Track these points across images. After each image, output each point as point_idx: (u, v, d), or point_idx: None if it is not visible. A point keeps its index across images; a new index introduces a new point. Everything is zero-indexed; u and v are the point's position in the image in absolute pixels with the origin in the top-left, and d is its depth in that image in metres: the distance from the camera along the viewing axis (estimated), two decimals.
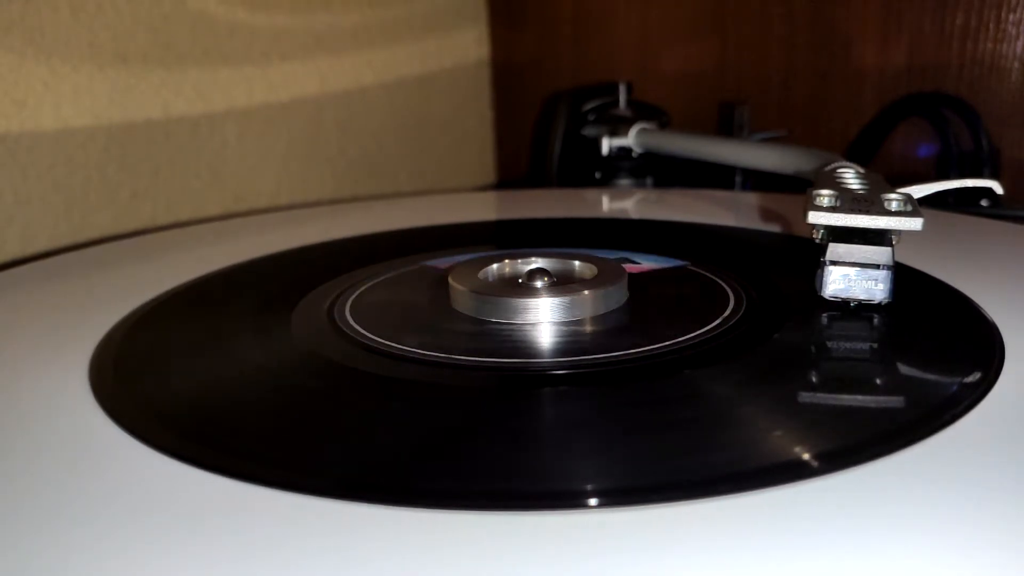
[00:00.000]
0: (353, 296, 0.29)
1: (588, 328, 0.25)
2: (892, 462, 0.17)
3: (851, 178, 0.29)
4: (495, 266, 0.29)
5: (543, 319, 0.25)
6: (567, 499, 0.16)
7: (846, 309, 0.26)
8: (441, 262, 0.33)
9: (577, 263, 0.29)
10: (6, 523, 0.16)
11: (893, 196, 0.26)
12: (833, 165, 0.32)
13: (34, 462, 0.18)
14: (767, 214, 0.41)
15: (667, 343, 0.24)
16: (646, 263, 0.31)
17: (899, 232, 0.25)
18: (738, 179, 0.52)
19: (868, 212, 0.25)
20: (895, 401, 0.20)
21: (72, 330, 0.27)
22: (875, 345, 0.24)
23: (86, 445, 0.19)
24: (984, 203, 0.44)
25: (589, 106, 0.57)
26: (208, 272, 0.33)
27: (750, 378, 0.22)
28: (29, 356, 0.25)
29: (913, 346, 0.24)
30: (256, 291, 0.31)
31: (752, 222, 0.40)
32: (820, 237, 0.26)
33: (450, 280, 0.27)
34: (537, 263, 0.29)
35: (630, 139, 0.53)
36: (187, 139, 0.52)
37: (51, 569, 0.14)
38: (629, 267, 0.30)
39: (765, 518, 0.15)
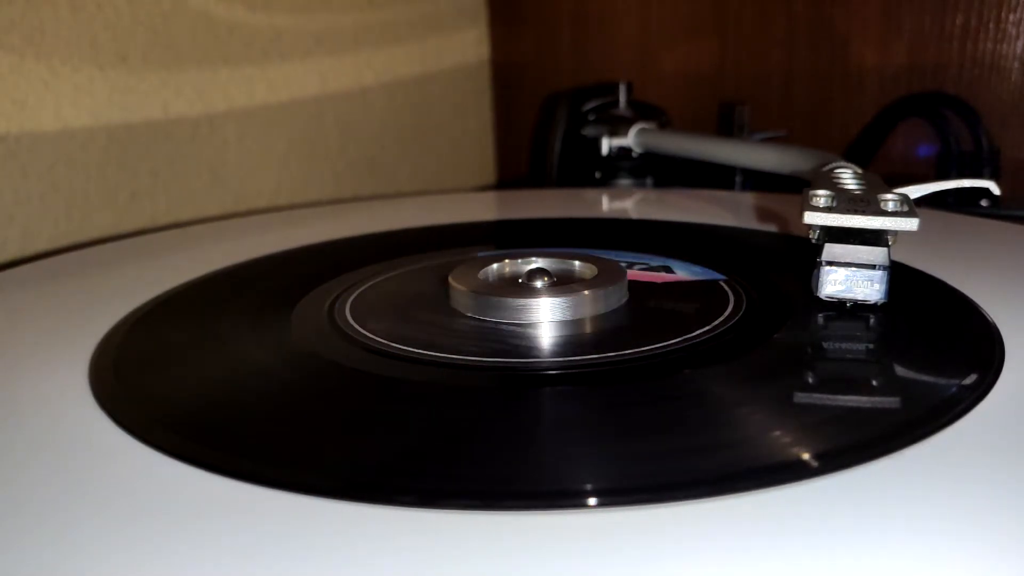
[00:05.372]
0: (353, 296, 0.29)
1: (588, 328, 0.25)
2: (892, 462, 0.17)
3: (848, 178, 0.29)
4: (495, 266, 0.29)
5: (543, 319, 0.25)
6: (567, 499, 0.16)
7: (846, 309, 0.26)
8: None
9: (577, 263, 0.29)
10: (6, 523, 0.16)
11: (889, 196, 0.26)
12: (831, 165, 0.33)
13: (33, 462, 0.18)
14: (767, 214, 0.41)
15: (667, 343, 0.24)
16: (681, 273, 0.31)
17: (895, 232, 0.25)
18: (738, 179, 0.52)
19: (864, 212, 0.25)
20: (894, 401, 0.20)
21: (72, 330, 0.27)
22: (875, 345, 0.24)
23: (85, 445, 0.19)
24: (984, 203, 0.44)
25: (589, 106, 0.57)
26: (208, 272, 0.33)
27: (750, 378, 0.22)
28: (29, 356, 0.25)
29: (913, 346, 0.24)
30: (256, 291, 0.31)
31: (752, 222, 0.40)
32: (816, 237, 0.26)
33: (450, 280, 0.27)
34: (537, 263, 0.29)
35: (630, 139, 0.53)
36: (187, 139, 0.52)
37: (51, 569, 0.14)
38: (660, 277, 0.30)
39: (765, 518, 0.15)
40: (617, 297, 0.27)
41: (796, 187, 0.31)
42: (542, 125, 0.59)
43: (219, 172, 0.54)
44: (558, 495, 0.16)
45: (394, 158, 0.66)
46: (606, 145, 0.54)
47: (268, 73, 0.56)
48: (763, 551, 0.14)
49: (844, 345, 0.24)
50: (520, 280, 0.28)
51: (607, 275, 0.28)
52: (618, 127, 0.54)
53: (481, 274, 0.28)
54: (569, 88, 0.58)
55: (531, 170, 0.61)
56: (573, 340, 0.24)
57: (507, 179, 0.75)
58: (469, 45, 0.71)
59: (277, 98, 0.57)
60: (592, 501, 0.16)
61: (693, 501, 0.16)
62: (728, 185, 0.52)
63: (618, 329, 0.25)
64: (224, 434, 0.19)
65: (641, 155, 0.54)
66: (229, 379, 0.23)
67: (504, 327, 0.25)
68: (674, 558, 0.14)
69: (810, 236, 0.26)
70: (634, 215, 0.46)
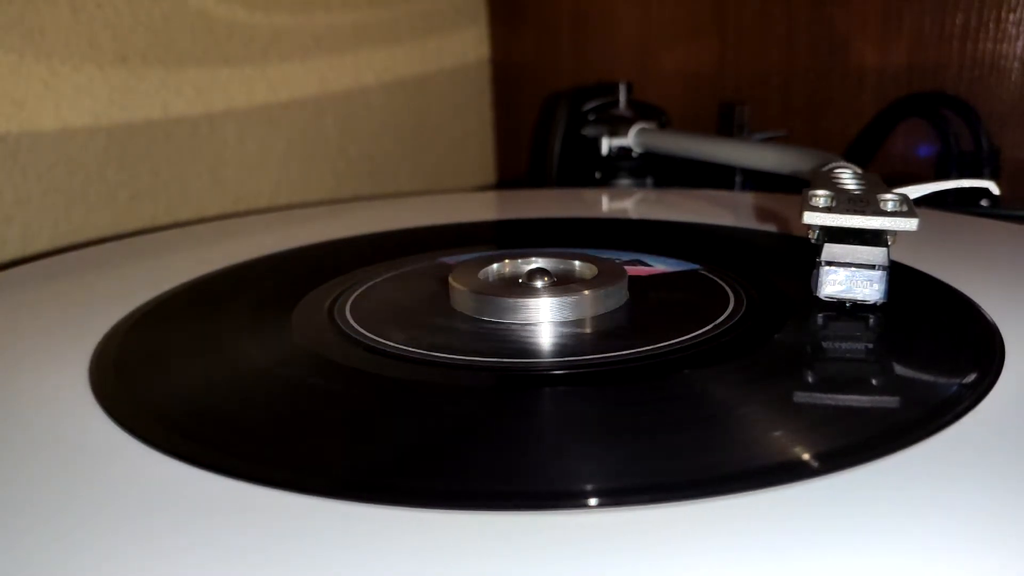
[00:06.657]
0: (353, 296, 0.29)
1: (588, 328, 0.25)
2: (892, 462, 0.17)
3: (848, 178, 0.29)
4: (495, 266, 0.29)
5: (543, 319, 0.25)
6: (567, 499, 0.16)
7: (846, 309, 0.26)
8: (452, 259, 0.33)
9: (577, 263, 0.29)
10: (6, 523, 0.16)
11: (889, 196, 0.26)
12: (830, 165, 0.33)
13: (34, 462, 0.18)
14: (767, 214, 0.41)
15: (667, 343, 0.24)
16: (657, 266, 0.31)
17: (895, 232, 0.25)
18: (738, 179, 0.52)
19: (864, 212, 0.25)
20: (895, 401, 0.20)
21: (72, 330, 0.27)
22: (875, 345, 0.24)
23: (86, 445, 0.19)
24: (984, 203, 0.44)
25: (589, 106, 0.57)
26: (208, 272, 0.33)
27: (750, 378, 0.22)
28: (29, 356, 0.25)
29: (913, 346, 0.24)
30: (256, 291, 0.31)
31: (752, 222, 0.40)
32: (816, 237, 0.26)
33: (450, 280, 0.27)
34: (537, 263, 0.29)
35: (630, 139, 0.53)
36: (187, 139, 0.52)
37: (51, 569, 0.14)
38: (638, 270, 0.30)
39: (765, 518, 0.15)
40: (617, 297, 0.27)
41: (796, 187, 0.31)
42: (542, 125, 0.59)
43: (219, 172, 0.54)
44: (558, 495, 0.16)
45: (394, 158, 0.66)
46: (606, 145, 0.54)
47: (268, 73, 0.56)
48: (763, 551, 0.14)
49: (844, 345, 0.24)
50: (520, 280, 0.28)
51: (607, 275, 0.28)
52: (618, 127, 0.54)
53: (481, 274, 0.28)
54: (569, 88, 0.58)
55: (531, 170, 0.61)
56: (573, 340, 0.24)
57: (507, 179, 0.75)
58: (469, 45, 0.71)
59: (277, 98, 0.57)
60: (592, 501, 0.16)
61: (693, 501, 0.16)
62: (728, 185, 0.52)
63: (618, 329, 0.25)
64: (224, 434, 0.19)
65: (641, 155, 0.54)
66: (229, 379, 0.23)
67: (504, 327, 0.25)
68: (674, 558, 0.14)
69: (810, 236, 0.26)
70: (634, 215, 0.46)
